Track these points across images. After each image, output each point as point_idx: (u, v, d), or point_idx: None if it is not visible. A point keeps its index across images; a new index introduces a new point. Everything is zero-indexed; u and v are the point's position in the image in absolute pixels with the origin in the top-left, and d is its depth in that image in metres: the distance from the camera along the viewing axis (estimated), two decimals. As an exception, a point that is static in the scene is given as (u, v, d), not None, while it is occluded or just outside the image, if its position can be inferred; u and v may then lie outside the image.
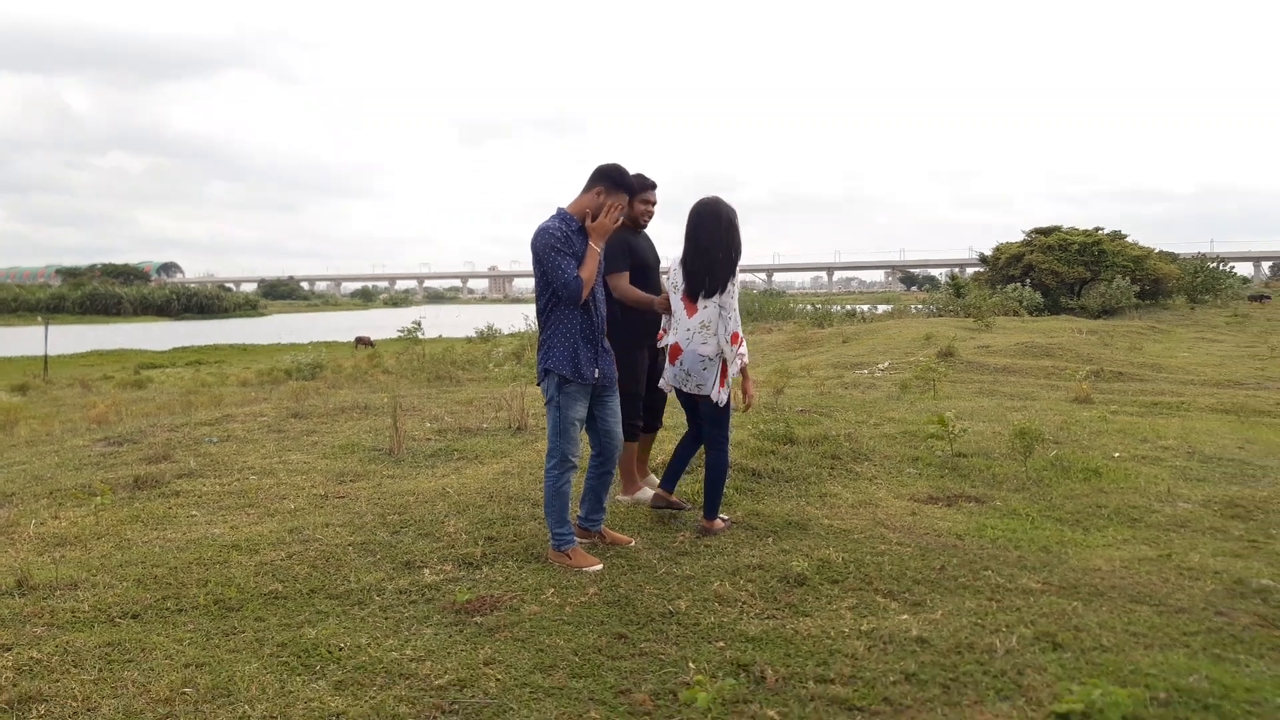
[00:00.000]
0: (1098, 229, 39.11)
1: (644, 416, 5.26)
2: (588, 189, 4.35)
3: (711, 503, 4.82)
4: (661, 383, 4.90)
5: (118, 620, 3.64)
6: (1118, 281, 33.24)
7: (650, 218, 5.21)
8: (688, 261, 4.64)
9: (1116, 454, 6.62)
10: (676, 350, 4.69)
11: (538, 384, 4.45)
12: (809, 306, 35.96)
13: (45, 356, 25.38)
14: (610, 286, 4.87)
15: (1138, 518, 5.11)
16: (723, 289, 4.54)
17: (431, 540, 4.63)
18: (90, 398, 14.30)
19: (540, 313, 4.36)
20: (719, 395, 4.60)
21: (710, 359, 4.59)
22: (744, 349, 4.60)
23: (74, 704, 2.95)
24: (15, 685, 3.05)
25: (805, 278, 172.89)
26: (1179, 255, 43.76)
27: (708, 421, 4.77)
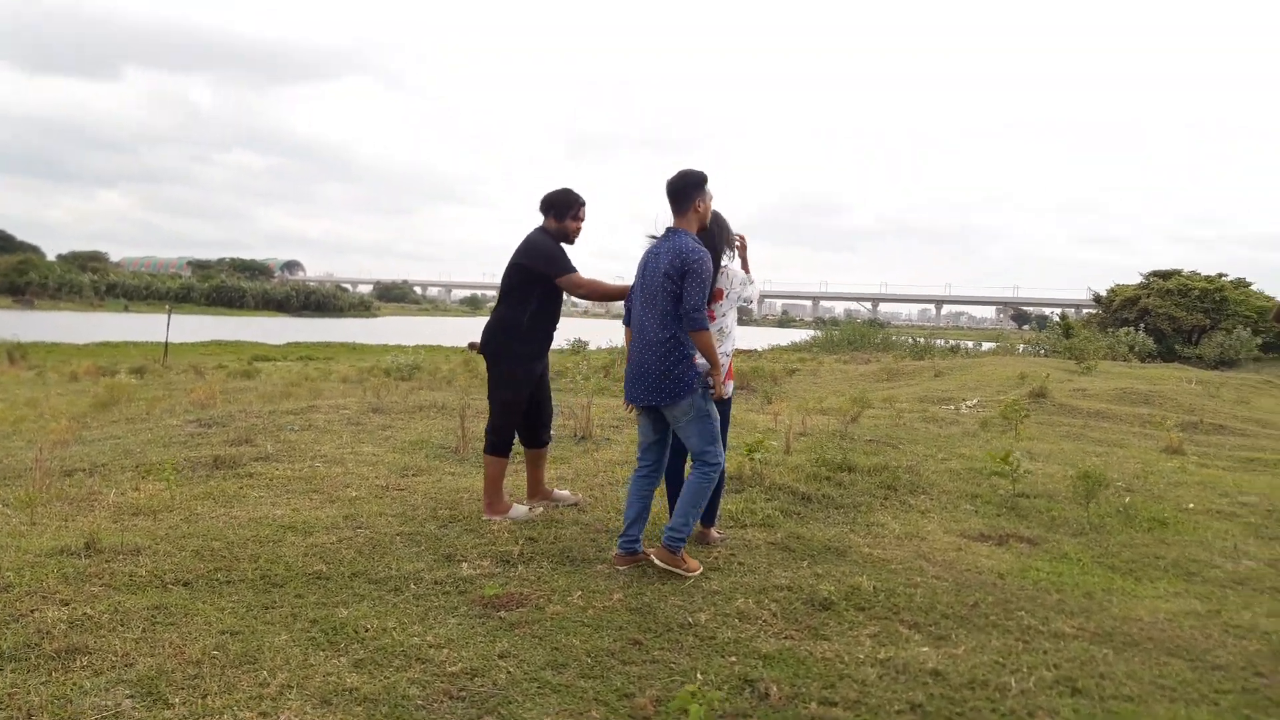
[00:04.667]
0: (1221, 275, 37.39)
1: (527, 431, 5.34)
2: (690, 201, 4.41)
3: (712, 510, 4.94)
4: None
5: (169, 586, 3.89)
6: (1239, 332, 31.66)
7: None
8: None
9: (1190, 505, 6.38)
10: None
11: (670, 403, 4.34)
12: (910, 339, 35.31)
13: (166, 343, 26.76)
14: (573, 284, 5.08)
15: (1195, 571, 4.92)
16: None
17: (475, 536, 4.78)
18: (200, 383, 15.05)
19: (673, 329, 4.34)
20: (726, 390, 4.67)
21: (725, 356, 4.64)
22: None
23: (114, 659, 3.17)
24: (66, 637, 3.30)
25: (913, 310, 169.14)
26: (1312, 308, 41.36)
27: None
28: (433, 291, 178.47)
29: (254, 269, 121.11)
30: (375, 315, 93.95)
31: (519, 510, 5.21)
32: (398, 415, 8.90)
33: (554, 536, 4.83)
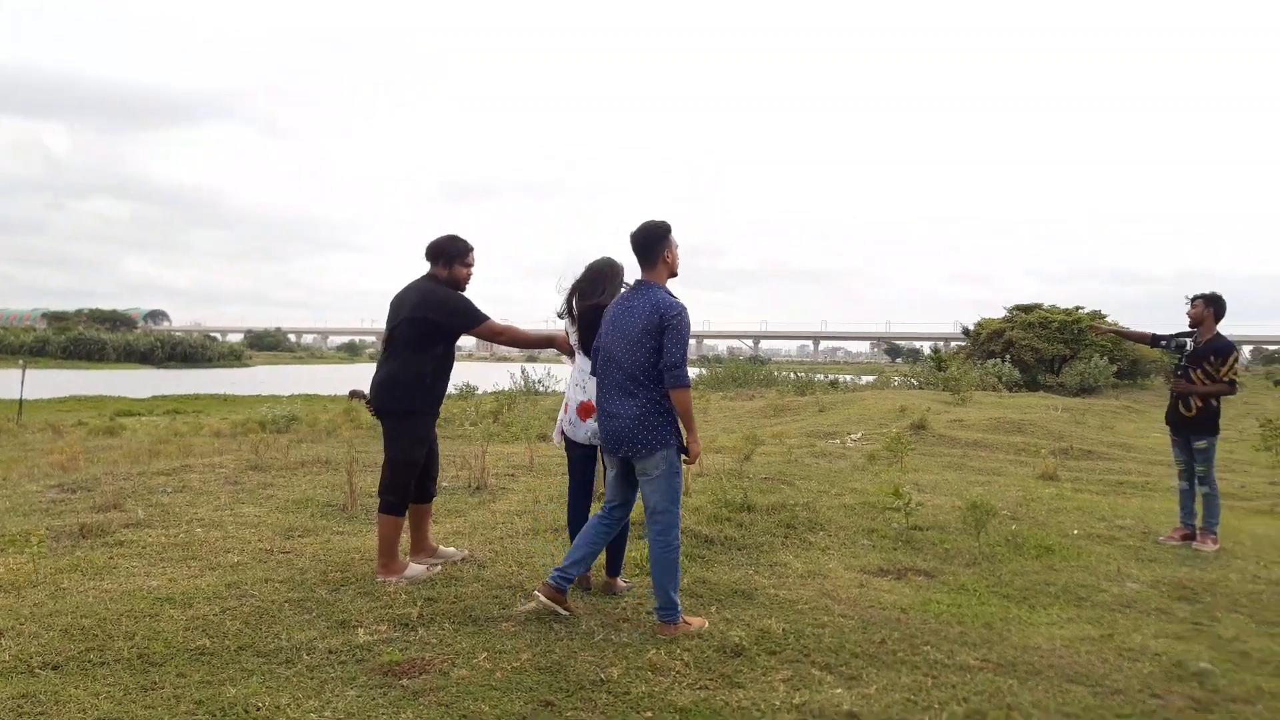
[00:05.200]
0: (1078, 308, 39.56)
1: (416, 485, 5.11)
2: (658, 254, 4.29)
3: (617, 558, 4.91)
4: (588, 436, 4.78)
5: (37, 671, 3.57)
6: (1096, 361, 33.49)
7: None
8: (589, 316, 4.70)
9: (1075, 531, 6.62)
10: (590, 408, 4.68)
11: (644, 455, 4.19)
12: (792, 375, 36.06)
13: (20, 400, 25.14)
14: (493, 333, 5.03)
15: (1085, 596, 5.09)
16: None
17: (370, 599, 4.56)
18: (60, 443, 14.11)
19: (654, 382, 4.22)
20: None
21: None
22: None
23: (-26, 758, 2.88)
24: (-84, 736, 2.98)
25: (792, 346, 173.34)
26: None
27: None
28: (308, 338, 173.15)
29: (115, 319, 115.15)
30: (247, 365, 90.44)
31: (416, 570, 5.00)
32: (279, 472, 8.50)
33: (454, 595, 4.65)
